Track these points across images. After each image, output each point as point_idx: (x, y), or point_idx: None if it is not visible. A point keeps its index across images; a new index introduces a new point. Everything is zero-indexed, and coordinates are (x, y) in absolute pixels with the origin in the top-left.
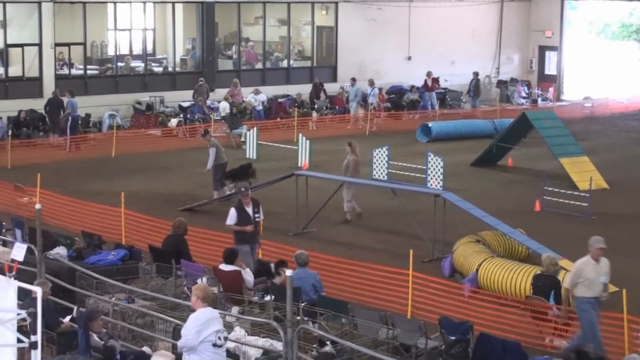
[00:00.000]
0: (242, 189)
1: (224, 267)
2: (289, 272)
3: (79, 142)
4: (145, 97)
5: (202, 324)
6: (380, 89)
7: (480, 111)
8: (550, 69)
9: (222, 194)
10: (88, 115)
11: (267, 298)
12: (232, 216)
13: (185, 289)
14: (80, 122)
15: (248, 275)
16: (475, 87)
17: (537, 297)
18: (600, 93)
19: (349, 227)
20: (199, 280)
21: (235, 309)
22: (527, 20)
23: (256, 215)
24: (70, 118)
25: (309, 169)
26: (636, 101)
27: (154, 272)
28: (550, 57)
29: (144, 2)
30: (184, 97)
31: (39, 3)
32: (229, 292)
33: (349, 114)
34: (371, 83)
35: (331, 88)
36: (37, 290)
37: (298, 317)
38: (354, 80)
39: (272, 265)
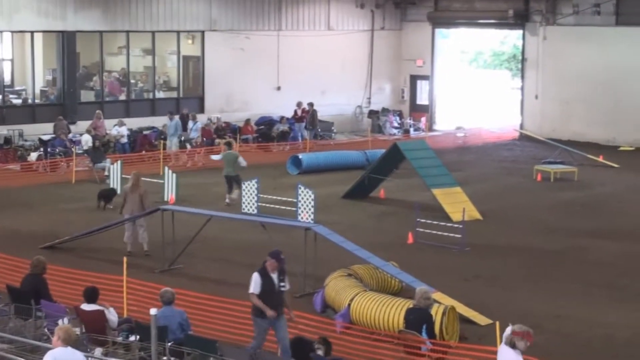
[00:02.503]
0: (280, 254)
1: (86, 306)
2: (153, 311)
3: None
4: (3, 130)
5: None
6: (248, 120)
7: (318, 144)
8: (422, 99)
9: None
10: None
11: (132, 338)
12: (255, 283)
13: (46, 331)
14: None
15: (112, 315)
16: (311, 119)
17: (409, 332)
18: (472, 123)
19: (218, 263)
20: (59, 321)
21: (98, 350)
22: (398, 50)
23: (281, 284)
24: None
25: (175, 203)
26: (508, 131)
27: (12, 313)
28: (422, 86)
29: (1, 32)
30: (45, 130)
31: None
32: (91, 332)
33: (214, 146)
34: (193, 117)
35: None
36: None
37: (164, 357)
38: (171, 113)
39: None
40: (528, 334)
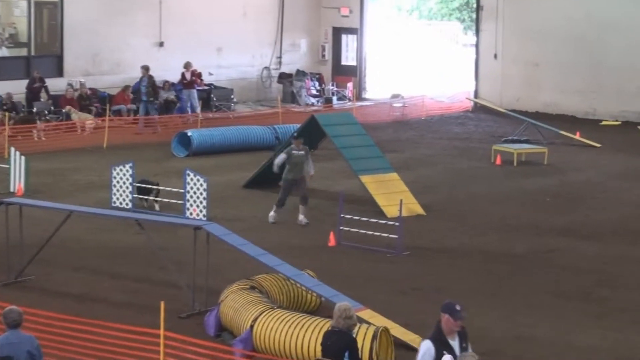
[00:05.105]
0: (456, 306)
1: None
2: None
3: None
4: None
5: None
6: (127, 87)
7: (211, 119)
8: (348, 59)
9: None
10: None
11: None
12: (427, 356)
13: None
14: None
15: None
16: (149, 88)
17: None
18: (413, 90)
19: (80, 273)
20: None
21: None
22: None
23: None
24: None
25: (24, 196)
26: (460, 100)
27: None
28: (349, 42)
29: None
30: None
31: None
32: None
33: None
34: None
35: (56, 85)
36: None
37: None
38: None
39: None
40: None
